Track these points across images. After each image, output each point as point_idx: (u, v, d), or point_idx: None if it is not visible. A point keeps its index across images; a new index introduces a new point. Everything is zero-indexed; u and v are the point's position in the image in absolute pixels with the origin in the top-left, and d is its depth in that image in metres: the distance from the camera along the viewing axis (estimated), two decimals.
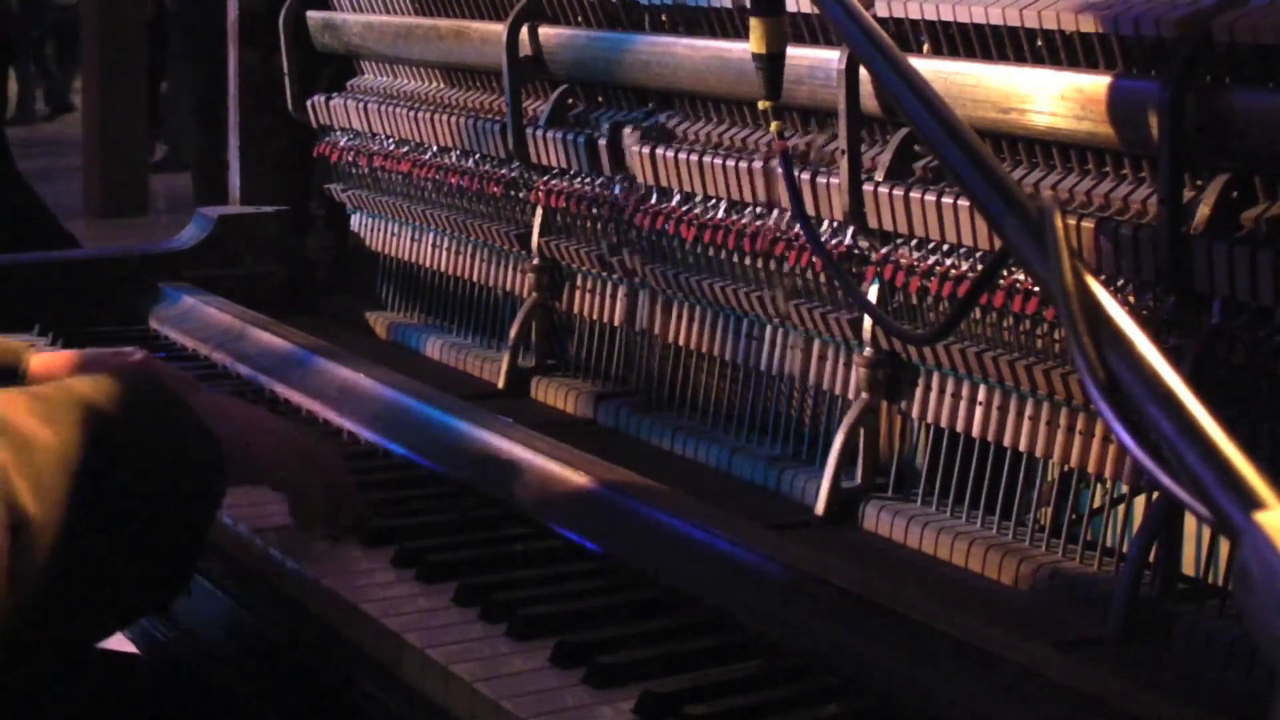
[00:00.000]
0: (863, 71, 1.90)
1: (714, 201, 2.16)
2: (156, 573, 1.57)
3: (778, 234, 2.05)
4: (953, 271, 1.84)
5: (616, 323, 2.37)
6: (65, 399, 1.52)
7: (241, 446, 1.70)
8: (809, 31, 2.02)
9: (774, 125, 1.83)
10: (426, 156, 2.73)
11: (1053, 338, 1.77)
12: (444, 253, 2.74)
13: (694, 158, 2.15)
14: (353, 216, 3.01)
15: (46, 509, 1.42)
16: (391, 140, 2.83)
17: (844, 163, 1.93)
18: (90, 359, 2.01)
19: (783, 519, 1.94)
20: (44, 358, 1.98)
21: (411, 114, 2.73)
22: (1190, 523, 1.64)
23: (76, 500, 1.45)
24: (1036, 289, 1.74)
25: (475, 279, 2.68)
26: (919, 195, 1.86)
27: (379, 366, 2.38)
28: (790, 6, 1.91)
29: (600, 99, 2.42)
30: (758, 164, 2.07)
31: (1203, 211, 1.59)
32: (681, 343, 2.26)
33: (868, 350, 1.96)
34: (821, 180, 1.97)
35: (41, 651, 1.49)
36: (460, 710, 1.52)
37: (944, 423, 1.90)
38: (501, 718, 1.47)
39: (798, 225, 2.00)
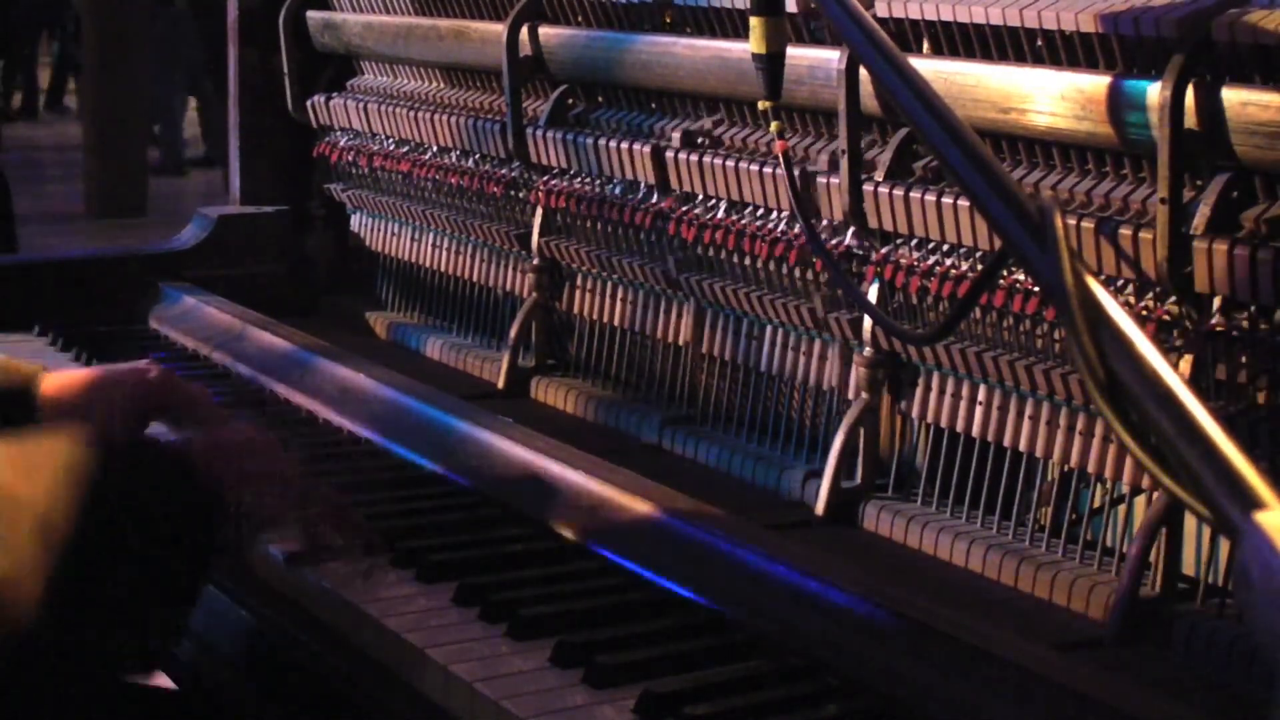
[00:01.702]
0: (863, 71, 1.89)
1: (714, 202, 2.16)
2: (141, 631, 1.56)
3: (790, 238, 2.06)
4: (953, 271, 1.84)
5: (617, 323, 2.37)
6: (48, 453, 1.50)
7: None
8: (808, 30, 2.02)
9: (774, 125, 1.83)
10: (426, 156, 2.73)
11: (1053, 338, 1.77)
12: (444, 253, 2.74)
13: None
14: (353, 216, 3.01)
15: (17, 566, 1.40)
16: (391, 140, 2.83)
17: (844, 163, 1.93)
18: (105, 378, 1.96)
19: (783, 519, 1.94)
20: (57, 380, 1.93)
21: (411, 114, 2.73)
22: (1190, 523, 1.64)
23: (52, 559, 1.43)
24: (1036, 289, 1.73)
25: (475, 279, 2.68)
26: (919, 195, 1.86)
27: (379, 366, 2.38)
28: (790, 7, 1.92)
29: (600, 99, 2.42)
30: (756, 167, 2.07)
31: (1203, 211, 1.59)
32: (682, 343, 2.26)
33: (868, 350, 1.96)
34: (821, 180, 1.97)
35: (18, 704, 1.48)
36: (460, 710, 1.52)
37: (944, 423, 1.90)
38: (501, 718, 1.47)
39: (798, 225, 2.00)
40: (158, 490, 1.59)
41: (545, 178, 2.45)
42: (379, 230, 2.92)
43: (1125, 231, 1.64)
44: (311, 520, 1.77)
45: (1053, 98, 1.70)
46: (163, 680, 2.06)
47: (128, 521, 1.53)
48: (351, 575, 1.75)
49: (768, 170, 2.05)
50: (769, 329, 2.12)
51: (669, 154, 2.18)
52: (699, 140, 2.17)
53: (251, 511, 1.69)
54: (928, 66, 1.76)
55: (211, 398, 2.04)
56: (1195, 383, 0.90)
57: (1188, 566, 1.67)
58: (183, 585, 1.59)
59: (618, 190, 2.32)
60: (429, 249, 2.78)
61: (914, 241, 1.89)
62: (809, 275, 2.04)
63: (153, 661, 1.64)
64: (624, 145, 2.27)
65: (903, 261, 1.89)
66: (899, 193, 1.88)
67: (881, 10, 1.88)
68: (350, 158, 2.93)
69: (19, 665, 1.43)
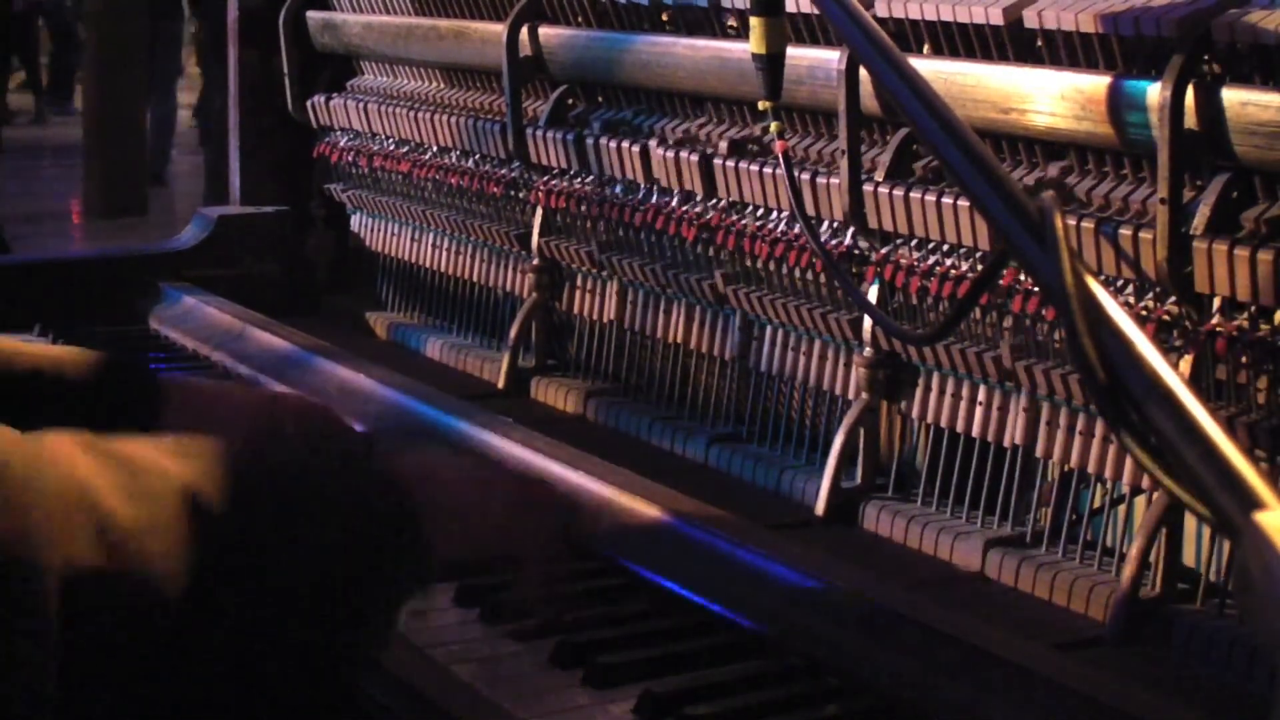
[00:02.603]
0: (863, 71, 1.89)
1: (714, 203, 2.16)
2: (296, 666, 1.30)
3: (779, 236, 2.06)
4: (953, 271, 1.84)
5: (617, 323, 2.37)
6: (203, 440, 1.28)
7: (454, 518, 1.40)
8: (809, 31, 2.02)
9: (774, 125, 1.83)
10: (426, 156, 2.73)
11: (1053, 338, 1.77)
12: (444, 253, 2.74)
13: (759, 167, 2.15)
14: (353, 216, 3.01)
15: (162, 541, 1.18)
16: (391, 140, 2.83)
17: (844, 163, 1.93)
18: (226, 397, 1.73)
19: (783, 519, 1.94)
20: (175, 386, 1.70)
21: (411, 114, 2.73)
22: (1190, 523, 1.64)
23: (199, 538, 1.20)
24: (1036, 289, 1.73)
25: (475, 279, 2.68)
26: (919, 195, 1.86)
27: (379, 366, 2.38)
28: (790, 7, 1.92)
29: (600, 99, 2.42)
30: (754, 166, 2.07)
31: (1203, 211, 1.59)
32: (681, 342, 2.26)
33: (868, 350, 1.96)
34: (821, 180, 1.97)
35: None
36: (460, 710, 1.52)
37: (944, 423, 1.90)
38: (501, 718, 1.47)
39: (797, 225, 2.00)
40: (367, 508, 1.33)
41: (545, 178, 2.45)
42: (379, 230, 2.92)
43: (1125, 231, 1.64)
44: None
45: (1053, 98, 1.70)
46: None
47: (312, 533, 1.28)
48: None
49: (768, 170, 2.05)
50: (769, 329, 2.12)
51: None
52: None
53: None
54: (928, 66, 1.76)
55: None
56: (1195, 383, 0.90)
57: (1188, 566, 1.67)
58: (376, 630, 1.34)
59: (618, 190, 2.32)
60: (429, 249, 2.78)
61: (914, 241, 1.89)
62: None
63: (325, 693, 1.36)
64: (624, 145, 2.27)
65: (903, 261, 1.89)
66: (899, 193, 1.88)
67: (881, 10, 1.87)
68: (350, 158, 2.93)
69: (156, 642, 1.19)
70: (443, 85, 2.78)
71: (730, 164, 2.11)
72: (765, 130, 2.09)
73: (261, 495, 1.27)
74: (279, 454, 1.37)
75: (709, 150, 2.15)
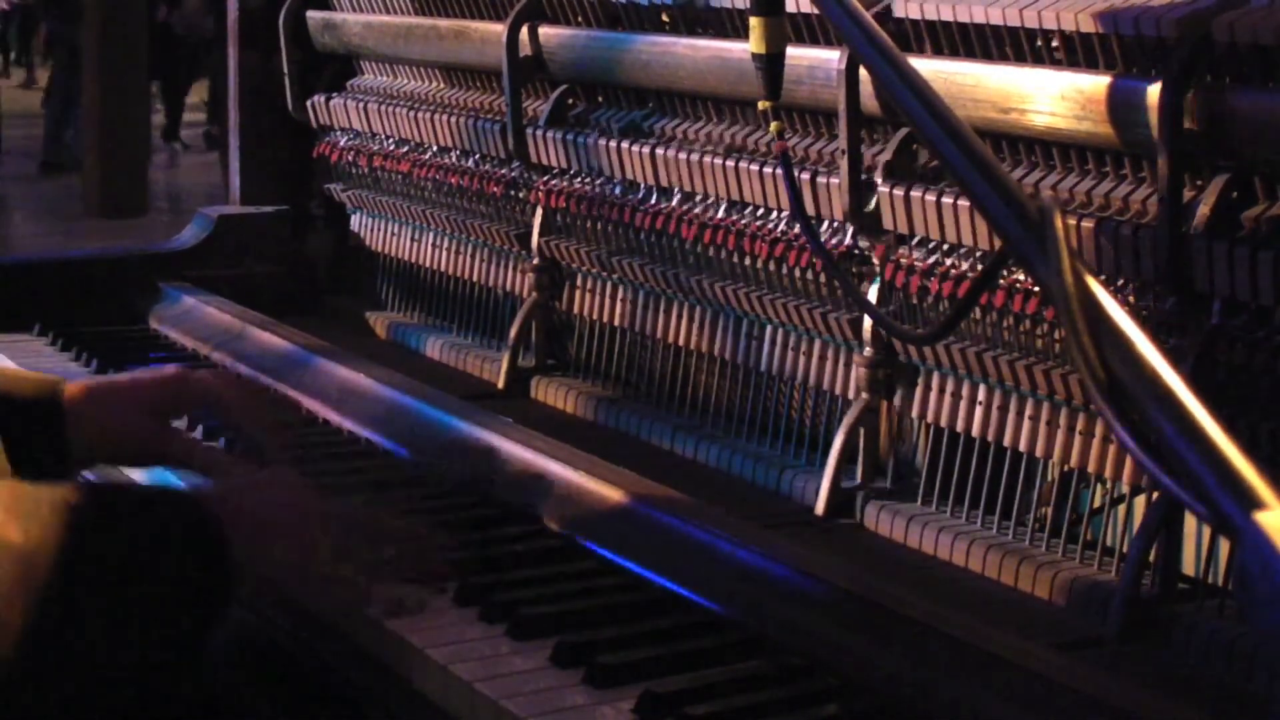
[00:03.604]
0: (863, 71, 1.89)
1: (713, 201, 2.16)
2: (135, 690, 1.51)
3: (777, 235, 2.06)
4: (953, 271, 1.84)
5: (616, 323, 2.37)
6: (39, 498, 1.47)
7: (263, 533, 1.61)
8: (809, 32, 2.02)
9: (774, 125, 1.83)
10: (426, 156, 2.73)
11: (1053, 338, 1.77)
12: (444, 253, 2.74)
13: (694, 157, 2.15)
14: (353, 216, 3.01)
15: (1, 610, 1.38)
16: (391, 140, 2.83)
17: (844, 163, 1.93)
18: (120, 382, 1.98)
19: (783, 519, 1.94)
20: (76, 386, 1.91)
21: (411, 114, 2.73)
22: (1190, 523, 1.64)
23: (37, 607, 1.40)
24: (1036, 289, 1.73)
25: (475, 279, 2.68)
26: (919, 195, 1.86)
27: (379, 366, 2.38)
28: (790, 7, 1.91)
29: (600, 99, 2.42)
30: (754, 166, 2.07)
31: (1203, 211, 1.59)
32: (682, 342, 2.26)
33: (868, 350, 1.96)
34: (821, 180, 1.97)
35: None
36: (460, 710, 1.52)
37: (944, 423, 1.90)
38: (501, 718, 1.47)
39: (797, 225, 2.00)
40: (163, 541, 1.53)
41: (545, 178, 2.45)
42: (379, 230, 2.92)
43: (1125, 231, 1.64)
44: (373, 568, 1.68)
45: (1053, 98, 1.70)
46: None
47: (128, 571, 1.49)
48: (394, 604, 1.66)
49: (768, 170, 2.05)
50: (769, 329, 2.12)
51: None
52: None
53: (283, 568, 1.63)
54: (928, 66, 1.75)
55: (239, 390, 2.04)
56: (1195, 383, 0.90)
57: (1188, 566, 1.67)
58: (186, 642, 1.54)
59: (618, 190, 2.32)
60: (429, 249, 2.78)
61: (914, 241, 1.89)
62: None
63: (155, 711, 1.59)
64: (624, 145, 2.27)
65: (903, 261, 1.89)
66: (899, 193, 1.88)
67: (899, 10, 1.87)
68: (350, 158, 2.93)
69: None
70: (443, 85, 2.78)
71: (730, 164, 2.11)
72: (766, 130, 2.10)
73: (92, 547, 1.46)
74: (106, 509, 1.55)
75: (709, 150, 2.15)
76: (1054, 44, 1.72)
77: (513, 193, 2.55)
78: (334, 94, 2.99)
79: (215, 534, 1.55)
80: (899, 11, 1.87)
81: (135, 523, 1.54)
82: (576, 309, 2.44)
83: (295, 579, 1.66)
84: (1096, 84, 1.66)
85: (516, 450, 2.00)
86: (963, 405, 1.87)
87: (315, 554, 1.64)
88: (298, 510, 1.66)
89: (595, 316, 2.41)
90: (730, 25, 2.16)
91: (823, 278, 2.02)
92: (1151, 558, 1.63)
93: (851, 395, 1.99)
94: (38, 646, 1.40)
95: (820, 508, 1.95)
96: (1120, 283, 1.67)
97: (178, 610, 1.52)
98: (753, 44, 1.78)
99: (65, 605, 1.42)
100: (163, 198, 10.96)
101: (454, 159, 2.68)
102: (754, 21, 1.77)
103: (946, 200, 1.83)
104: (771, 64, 1.78)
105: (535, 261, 2.49)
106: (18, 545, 1.41)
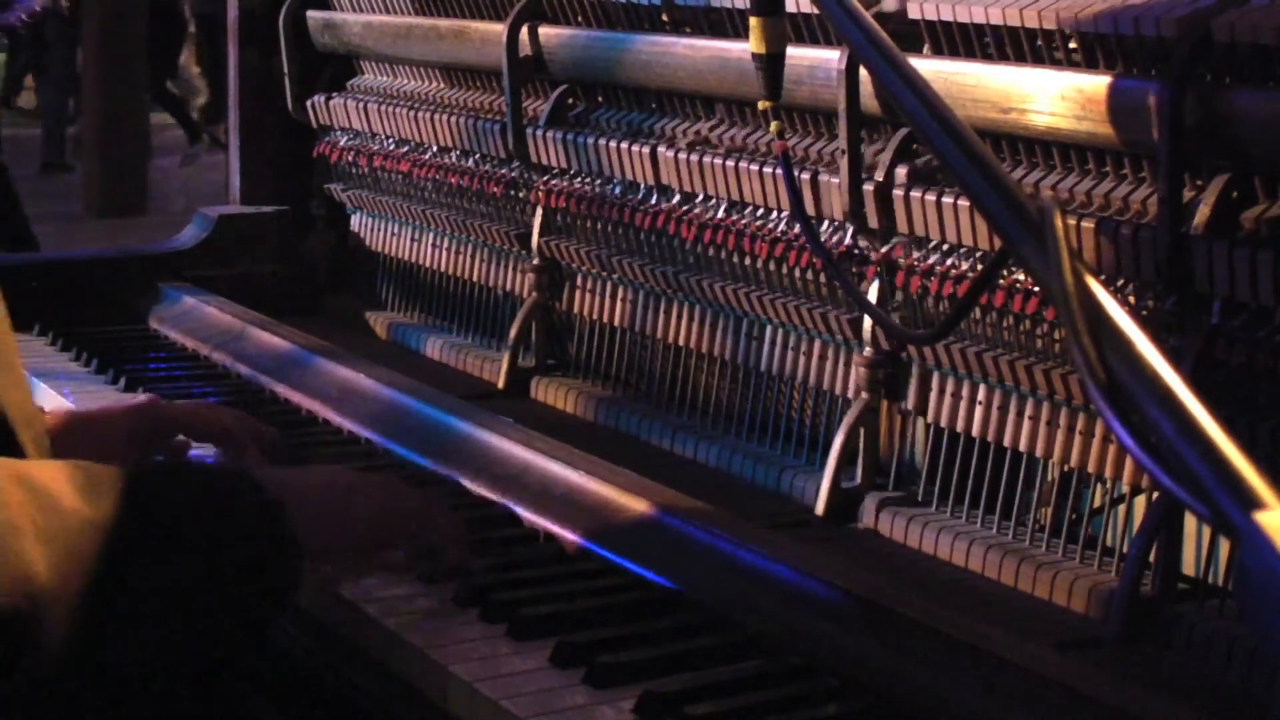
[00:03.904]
0: (863, 71, 1.89)
1: (713, 201, 2.16)
2: (196, 668, 1.50)
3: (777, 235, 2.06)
4: (953, 271, 1.84)
5: (617, 323, 2.37)
6: (112, 472, 1.44)
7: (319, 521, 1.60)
8: (809, 32, 2.02)
9: (774, 125, 1.83)
10: (426, 156, 2.73)
11: (1053, 338, 1.77)
12: (444, 253, 2.74)
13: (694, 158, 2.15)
14: (353, 216, 3.01)
15: (66, 582, 1.35)
16: (391, 140, 2.83)
17: (844, 163, 1.93)
18: (86, 416, 1.98)
19: (783, 519, 1.94)
20: (55, 417, 1.89)
21: (411, 114, 2.73)
22: (1190, 523, 1.64)
23: (106, 581, 1.38)
24: (1036, 289, 1.73)
25: (475, 279, 2.68)
26: (919, 195, 1.86)
27: (379, 366, 2.38)
28: (790, 7, 1.92)
29: (600, 99, 2.42)
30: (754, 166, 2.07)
31: (1203, 211, 1.59)
32: (682, 342, 2.26)
33: (868, 350, 1.96)
34: (822, 180, 1.97)
35: None
36: (460, 710, 1.52)
37: (944, 423, 1.90)
38: (501, 718, 1.47)
39: (797, 225, 2.00)
40: (229, 517, 1.52)
41: (545, 178, 2.45)
42: (379, 230, 2.92)
43: (1125, 231, 1.64)
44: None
45: (1053, 98, 1.70)
46: None
47: (192, 546, 1.46)
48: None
49: (768, 170, 2.05)
50: (769, 329, 2.12)
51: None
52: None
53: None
54: (928, 66, 1.75)
55: (211, 415, 2.03)
56: (1195, 383, 0.90)
57: (1188, 566, 1.67)
58: (250, 619, 1.53)
59: (618, 190, 2.32)
60: (429, 249, 2.78)
61: (914, 241, 1.89)
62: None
63: (213, 697, 1.59)
64: (624, 145, 2.27)
65: (903, 262, 1.89)
66: (899, 193, 1.88)
67: (914, 12, 1.86)
68: (350, 158, 2.93)
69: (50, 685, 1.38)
70: (443, 85, 2.78)
71: (730, 164, 2.11)
72: (766, 130, 2.10)
73: (157, 527, 1.45)
74: (172, 485, 1.53)
75: (710, 150, 2.15)
76: (1071, 45, 1.72)
77: (513, 193, 2.55)
78: (334, 94, 2.99)
79: (278, 512, 1.53)
80: (911, 13, 1.87)
81: (200, 498, 1.51)
82: (576, 309, 2.44)
83: (344, 560, 1.68)
84: (1096, 84, 1.66)
85: (516, 450, 2.00)
86: (963, 405, 1.87)
87: (368, 539, 1.67)
88: (349, 494, 1.66)
89: (595, 316, 2.41)
90: (730, 25, 2.16)
91: (823, 278, 2.02)
92: (1151, 558, 1.64)
93: (851, 395, 1.99)
94: (94, 618, 1.38)
95: (820, 508, 1.95)
96: (1120, 283, 1.67)
97: (241, 587, 1.49)
98: (753, 44, 1.78)
99: (125, 578, 1.40)
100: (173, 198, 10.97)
101: (454, 159, 2.68)
102: (754, 21, 1.77)
103: (947, 200, 1.83)
104: (771, 64, 1.78)
105: (535, 261, 2.49)
106: (85, 515, 1.38)
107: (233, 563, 1.48)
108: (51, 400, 2.36)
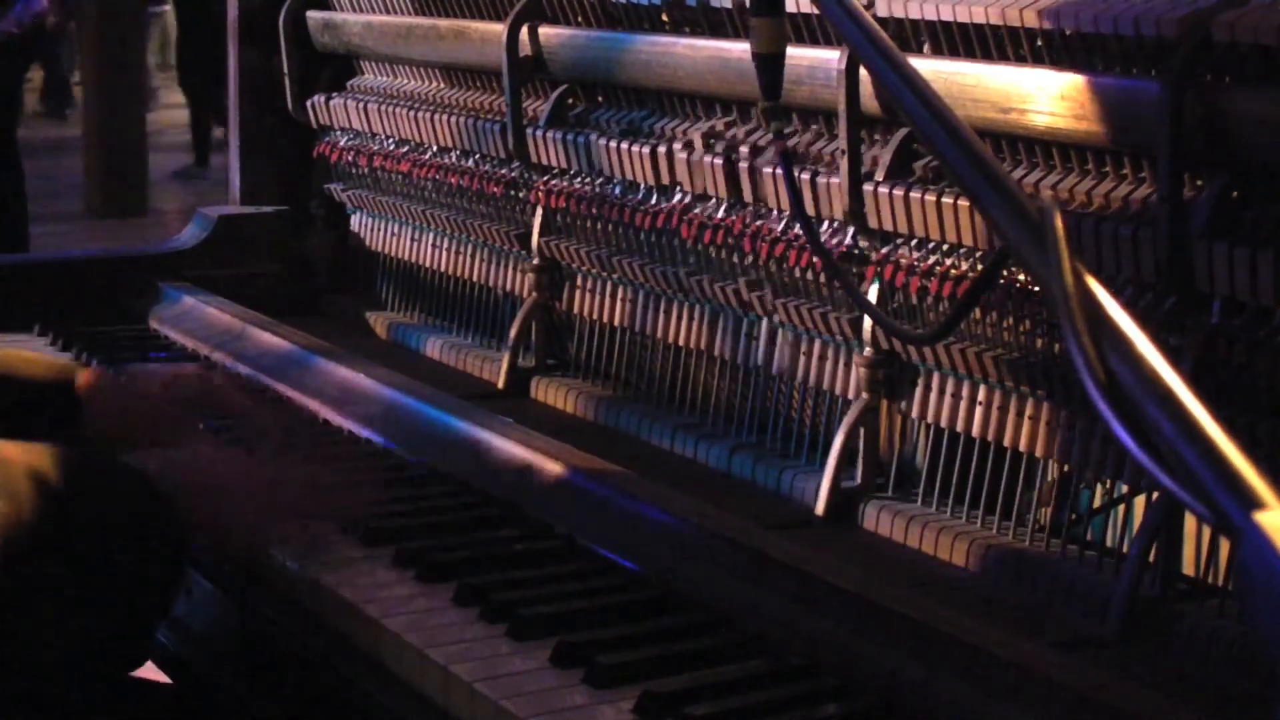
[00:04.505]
0: (863, 71, 1.89)
1: (714, 201, 2.16)
2: (105, 644, 1.60)
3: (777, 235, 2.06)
4: (953, 271, 1.84)
5: (617, 323, 2.37)
6: (20, 471, 1.54)
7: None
8: (809, 32, 2.02)
9: (773, 125, 1.83)
10: (426, 156, 2.73)
11: (1053, 338, 1.77)
12: (444, 253, 2.74)
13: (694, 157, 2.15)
14: (353, 216, 3.01)
15: None
16: (391, 140, 2.83)
17: (844, 163, 1.93)
18: (137, 374, 2.04)
19: (783, 519, 1.94)
20: (94, 371, 2.02)
21: (411, 114, 2.73)
22: (1190, 523, 1.64)
23: (19, 570, 1.49)
24: (1036, 289, 1.73)
25: (475, 279, 2.68)
26: (919, 195, 1.86)
27: (379, 366, 2.38)
28: (790, 7, 1.92)
29: (600, 99, 2.42)
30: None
31: (1203, 212, 1.59)
32: (682, 343, 2.26)
33: (868, 350, 1.96)
34: (821, 180, 1.97)
35: None
36: (460, 710, 1.52)
37: (944, 423, 1.90)
38: (501, 718, 1.47)
39: (797, 225, 2.00)
40: (124, 506, 1.62)
41: (545, 178, 2.45)
42: (379, 230, 2.92)
43: (1125, 231, 1.64)
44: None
45: (1053, 98, 1.70)
46: (158, 674, 2.06)
47: (92, 535, 1.56)
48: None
49: (768, 170, 2.05)
50: (769, 329, 2.12)
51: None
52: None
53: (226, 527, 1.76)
54: (928, 66, 1.75)
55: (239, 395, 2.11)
56: (1195, 383, 0.90)
57: (1188, 566, 1.67)
58: (148, 601, 1.63)
59: (618, 190, 2.32)
60: (429, 249, 2.78)
61: (914, 241, 1.89)
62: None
63: (123, 666, 1.70)
64: (624, 145, 2.27)
65: (903, 261, 1.89)
66: (899, 193, 1.88)
67: (882, 10, 1.87)
68: (350, 158, 2.93)
69: None
70: (443, 85, 2.78)
71: (730, 164, 2.11)
72: (766, 130, 2.10)
73: (61, 518, 1.54)
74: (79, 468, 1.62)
75: (710, 150, 2.15)
76: (1067, 33, 1.72)
77: (513, 193, 2.55)
78: (334, 94, 2.99)
79: (165, 505, 1.64)
80: (892, 11, 1.87)
81: (99, 495, 1.62)
82: (576, 309, 2.44)
83: (245, 539, 1.79)
84: (1097, 84, 1.66)
85: (517, 450, 2.00)
86: (963, 405, 1.87)
87: (262, 514, 1.79)
88: (241, 475, 1.80)
89: (595, 316, 2.41)
90: (730, 25, 2.16)
91: (823, 278, 2.02)
92: (1151, 558, 1.64)
93: (851, 395, 1.99)
94: (5, 613, 1.48)
95: (820, 508, 1.95)
96: (1120, 283, 1.67)
97: (138, 578, 1.60)
98: (753, 44, 1.78)
99: (34, 574, 1.51)
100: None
101: (454, 159, 2.68)
102: (754, 21, 1.77)
103: (946, 200, 1.83)
104: (771, 64, 1.78)
105: (535, 261, 2.49)
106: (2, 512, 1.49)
107: (125, 552, 1.58)
108: None
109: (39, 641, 1.52)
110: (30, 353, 2.02)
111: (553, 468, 1.94)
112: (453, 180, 2.66)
